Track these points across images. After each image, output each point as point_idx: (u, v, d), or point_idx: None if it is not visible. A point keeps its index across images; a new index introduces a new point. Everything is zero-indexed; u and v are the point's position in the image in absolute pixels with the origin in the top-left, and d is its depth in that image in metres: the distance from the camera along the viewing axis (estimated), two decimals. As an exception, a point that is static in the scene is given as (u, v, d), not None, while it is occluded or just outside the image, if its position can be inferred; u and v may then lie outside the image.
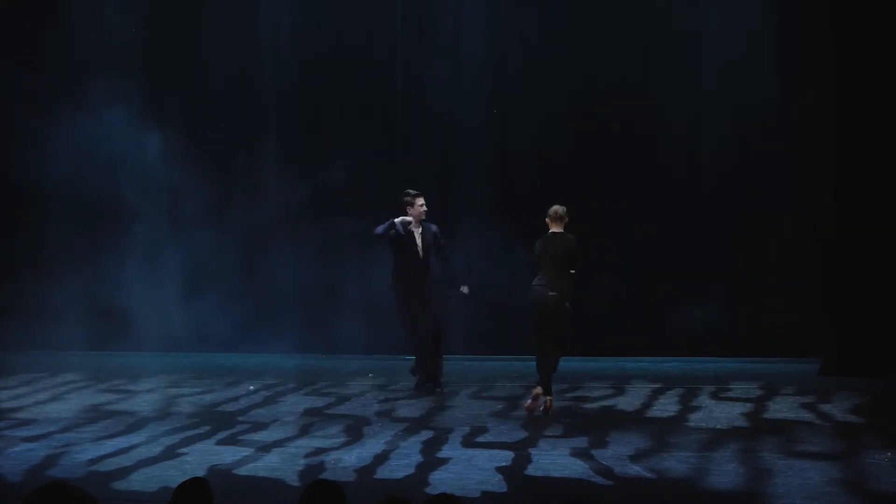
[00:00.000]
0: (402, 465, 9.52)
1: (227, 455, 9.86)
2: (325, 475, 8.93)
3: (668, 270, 14.87)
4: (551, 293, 11.35)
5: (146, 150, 15.39)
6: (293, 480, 8.99)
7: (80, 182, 15.03)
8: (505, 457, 9.76)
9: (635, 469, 9.34)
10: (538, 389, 11.48)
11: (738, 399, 12.38)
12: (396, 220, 12.46)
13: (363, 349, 15.02)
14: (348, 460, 9.66)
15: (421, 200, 12.58)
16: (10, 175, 15.58)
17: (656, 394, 12.72)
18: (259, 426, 11.06)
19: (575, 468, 9.37)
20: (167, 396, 12.63)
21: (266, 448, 10.13)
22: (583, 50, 15.08)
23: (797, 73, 14.57)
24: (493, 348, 15.18)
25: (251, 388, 13.17)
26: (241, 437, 10.59)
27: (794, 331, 14.52)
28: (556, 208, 11.58)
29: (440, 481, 8.91)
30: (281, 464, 9.56)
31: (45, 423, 11.22)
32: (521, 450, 10.02)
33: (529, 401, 11.52)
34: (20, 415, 11.70)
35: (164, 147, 15.39)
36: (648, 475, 9.17)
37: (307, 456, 9.82)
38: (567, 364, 14.74)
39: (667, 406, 12.04)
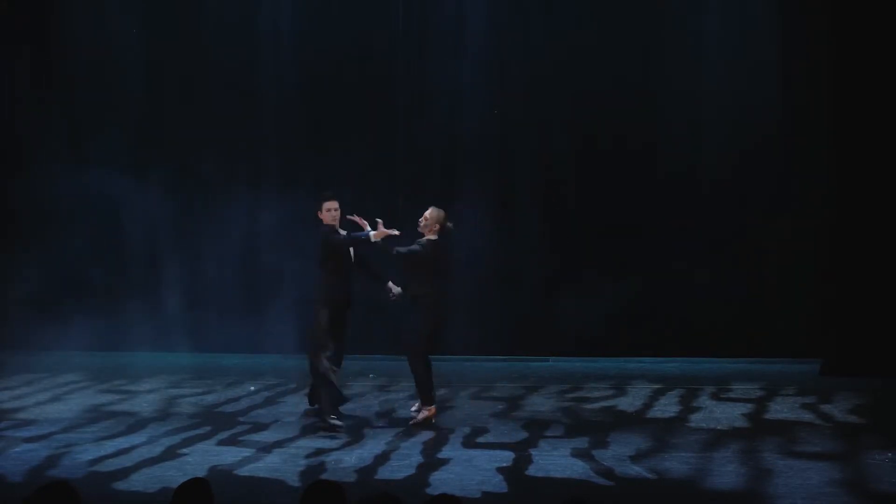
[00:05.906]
0: (402, 465, 9.52)
1: (228, 455, 9.86)
2: (325, 475, 8.94)
3: (667, 270, 14.87)
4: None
5: (145, 149, 15.42)
6: (294, 481, 9.00)
7: (79, 182, 15.06)
8: (505, 457, 9.76)
9: (636, 469, 9.35)
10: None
11: (738, 399, 12.39)
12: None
13: (364, 349, 14.99)
14: (349, 461, 9.66)
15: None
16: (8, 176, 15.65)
17: (657, 394, 12.72)
18: (260, 426, 11.06)
19: (575, 469, 9.38)
20: (168, 397, 12.63)
21: (267, 448, 10.13)
22: (583, 50, 15.07)
23: (797, 73, 14.58)
24: (494, 349, 15.16)
25: (252, 388, 13.17)
26: (241, 438, 10.59)
27: (794, 331, 14.52)
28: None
29: (441, 482, 8.92)
30: (281, 464, 9.57)
31: (46, 423, 11.21)
32: (522, 450, 10.02)
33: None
34: (21, 415, 11.68)
35: (162, 147, 15.42)
36: (649, 476, 9.17)
37: (308, 456, 9.82)
38: (568, 364, 14.82)
39: (667, 406, 12.05)
